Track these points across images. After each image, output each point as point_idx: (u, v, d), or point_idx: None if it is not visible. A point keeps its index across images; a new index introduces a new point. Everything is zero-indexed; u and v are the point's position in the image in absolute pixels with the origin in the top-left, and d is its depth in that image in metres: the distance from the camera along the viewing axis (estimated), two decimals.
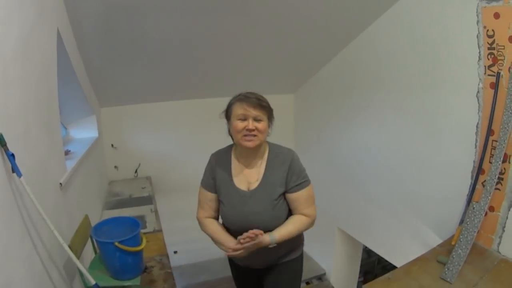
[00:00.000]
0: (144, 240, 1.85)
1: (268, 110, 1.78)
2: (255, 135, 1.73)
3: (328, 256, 4.20)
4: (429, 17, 2.57)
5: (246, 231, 1.70)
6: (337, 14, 2.99)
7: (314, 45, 3.53)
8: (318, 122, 4.27)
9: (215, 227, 1.89)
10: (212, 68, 3.72)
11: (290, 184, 1.80)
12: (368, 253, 4.70)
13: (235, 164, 1.87)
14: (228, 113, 1.82)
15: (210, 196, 1.91)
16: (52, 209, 1.87)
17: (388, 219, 3.12)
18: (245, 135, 1.73)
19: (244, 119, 1.73)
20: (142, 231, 2.79)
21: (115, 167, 4.20)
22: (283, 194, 1.82)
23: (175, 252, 4.62)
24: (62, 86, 2.78)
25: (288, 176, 1.80)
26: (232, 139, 1.87)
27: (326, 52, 3.71)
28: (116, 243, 1.67)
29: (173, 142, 4.40)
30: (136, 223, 1.89)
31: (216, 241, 1.88)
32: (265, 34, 3.23)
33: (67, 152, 2.77)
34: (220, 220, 1.96)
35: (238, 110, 1.74)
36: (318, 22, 3.09)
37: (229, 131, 1.86)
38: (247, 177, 1.84)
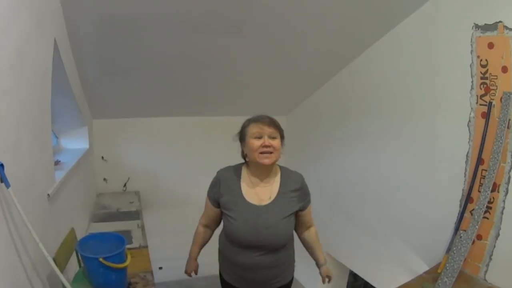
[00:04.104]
0: (129, 257, 1.83)
1: (280, 130, 1.87)
2: (271, 152, 1.79)
3: (314, 280, 4.15)
4: (424, 45, 2.63)
5: (256, 245, 1.80)
6: (333, 39, 3.04)
7: (309, 68, 3.58)
8: (309, 145, 4.29)
9: (197, 240, 2.06)
10: (206, 87, 3.75)
11: (302, 202, 1.92)
12: (354, 277, 4.64)
13: (246, 182, 1.90)
14: (242, 135, 1.89)
15: (212, 208, 1.98)
16: (38, 220, 1.84)
17: (375, 245, 3.11)
18: (262, 152, 1.79)
19: (260, 137, 1.80)
20: (128, 246, 2.77)
21: (104, 179, 4.16)
22: (295, 211, 1.91)
23: (160, 268, 4.54)
24: (56, 95, 2.76)
25: (301, 195, 1.91)
26: (245, 160, 1.94)
27: (320, 75, 3.77)
28: (101, 259, 1.64)
29: (164, 159, 4.39)
30: (121, 240, 1.86)
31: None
32: (259, 55, 3.28)
33: (57, 163, 2.75)
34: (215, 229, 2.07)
35: (253, 129, 1.82)
36: (313, 45, 3.14)
37: (242, 152, 1.93)
38: (259, 195, 1.87)
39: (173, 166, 4.43)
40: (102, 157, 4.11)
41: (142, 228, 3.17)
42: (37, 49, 1.85)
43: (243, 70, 3.53)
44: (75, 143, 3.53)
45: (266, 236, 1.79)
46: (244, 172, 1.93)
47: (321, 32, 2.93)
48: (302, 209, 1.94)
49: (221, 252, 2.01)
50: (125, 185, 4.24)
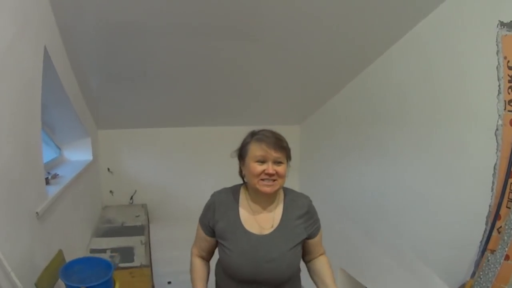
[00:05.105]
0: (117, 285, 1.66)
1: (287, 151, 1.62)
2: (274, 180, 1.56)
3: None
4: (444, 47, 2.40)
5: (256, 280, 1.57)
6: (347, 43, 2.84)
7: (323, 74, 3.38)
8: (324, 155, 4.09)
9: (199, 275, 1.74)
10: (216, 95, 3.59)
11: (310, 229, 1.69)
12: None
13: (245, 207, 1.67)
14: (241, 153, 1.65)
15: (204, 237, 1.73)
16: (24, 241, 1.70)
17: (394, 262, 2.89)
18: (263, 179, 1.56)
19: (263, 161, 1.56)
20: (129, 265, 2.64)
21: (111, 191, 4.05)
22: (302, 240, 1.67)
23: (169, 282, 4.43)
24: (54, 106, 2.68)
25: (308, 222, 1.68)
26: (243, 180, 1.70)
27: (335, 82, 3.55)
28: None
29: (172, 170, 4.26)
30: (109, 266, 1.69)
31: None
32: (272, 62, 3.10)
33: (54, 176, 2.62)
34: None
35: (257, 151, 1.57)
36: (327, 51, 2.94)
37: (240, 172, 1.69)
38: (259, 222, 1.64)
39: (181, 178, 4.29)
40: (108, 169, 4.00)
41: (146, 245, 3.02)
42: (21, 56, 1.72)
43: (254, 77, 3.36)
44: (79, 155, 3.43)
45: (268, 270, 1.57)
46: (243, 195, 1.70)
47: (336, 36, 2.74)
48: (311, 237, 1.70)
49: (217, 285, 1.77)
50: (131, 197, 4.11)
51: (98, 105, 3.40)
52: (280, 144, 1.57)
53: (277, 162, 1.56)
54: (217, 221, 1.66)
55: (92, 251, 2.85)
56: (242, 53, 2.89)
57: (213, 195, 1.74)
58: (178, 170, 4.27)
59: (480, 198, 2.16)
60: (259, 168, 1.55)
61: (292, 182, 4.45)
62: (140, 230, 3.32)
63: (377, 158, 3.16)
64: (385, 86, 3.02)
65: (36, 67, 1.92)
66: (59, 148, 3.32)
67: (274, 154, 1.55)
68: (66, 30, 2.26)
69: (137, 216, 3.68)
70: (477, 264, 2.10)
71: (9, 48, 1.58)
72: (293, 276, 1.66)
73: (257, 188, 1.58)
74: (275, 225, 1.63)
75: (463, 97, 2.29)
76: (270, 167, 1.54)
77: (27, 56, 1.81)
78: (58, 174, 2.68)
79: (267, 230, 1.62)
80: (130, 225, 3.46)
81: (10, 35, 1.59)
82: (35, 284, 1.58)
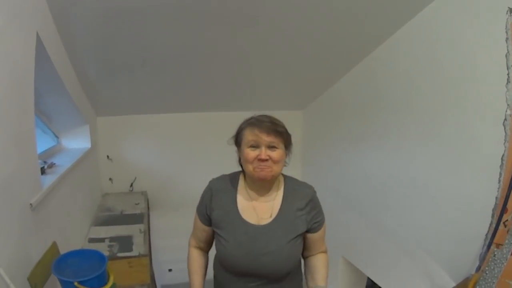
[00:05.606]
0: (112, 278, 1.61)
1: (284, 136, 1.54)
2: (268, 166, 1.49)
3: (330, 285, 3.92)
4: (452, 33, 2.31)
5: (254, 273, 1.51)
6: (351, 27, 2.74)
7: (326, 59, 3.27)
8: (327, 142, 4.02)
9: (195, 268, 1.70)
10: (216, 80, 3.50)
11: (312, 223, 1.60)
12: (372, 281, 4.42)
13: (243, 195, 1.61)
14: (238, 140, 1.59)
15: (201, 226, 1.68)
16: (17, 234, 1.66)
17: (396, 253, 2.84)
18: (257, 165, 1.50)
19: (256, 146, 1.50)
20: (127, 254, 2.60)
21: (110, 179, 4.00)
22: (302, 233, 1.60)
23: (170, 270, 4.45)
24: (50, 94, 2.62)
25: (310, 213, 1.60)
26: (242, 169, 1.64)
27: (338, 67, 3.45)
28: (76, 283, 1.44)
29: (173, 157, 4.20)
30: (102, 258, 1.64)
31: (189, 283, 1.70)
32: (273, 45, 2.99)
33: (51, 165, 2.57)
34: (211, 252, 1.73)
35: (249, 136, 1.51)
36: (331, 34, 2.84)
37: (239, 160, 1.62)
38: (258, 212, 1.58)
39: (182, 164, 4.23)
40: (108, 156, 3.94)
41: (145, 233, 2.98)
42: (11, 44, 1.65)
43: (255, 62, 3.25)
44: (77, 143, 3.37)
45: (265, 263, 1.50)
46: (241, 182, 1.64)
47: (340, 19, 2.63)
48: (312, 231, 1.62)
49: (215, 278, 1.72)
50: (131, 185, 4.07)
51: (97, 92, 3.33)
52: (273, 128, 1.50)
53: (271, 147, 1.49)
54: (213, 209, 1.61)
55: (91, 240, 2.82)
56: (242, 37, 2.79)
57: (210, 182, 1.69)
58: (179, 156, 4.21)
59: (486, 189, 2.09)
60: (252, 153, 1.50)
61: (295, 169, 4.41)
62: (140, 218, 3.29)
63: (382, 146, 3.09)
64: (391, 72, 2.92)
65: (27, 54, 1.85)
66: (57, 137, 3.27)
67: (266, 139, 1.48)
68: (60, 16, 2.18)
69: (136, 204, 3.65)
70: (482, 258, 2.04)
71: None
72: (292, 270, 1.60)
73: (253, 175, 1.53)
74: (274, 215, 1.57)
75: (470, 86, 2.21)
76: (263, 152, 1.48)
77: (18, 43, 1.74)
78: (54, 163, 2.63)
79: (265, 220, 1.56)
80: (129, 213, 3.42)
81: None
82: (28, 279, 1.54)
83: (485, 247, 2.04)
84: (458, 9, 2.25)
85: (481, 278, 1.91)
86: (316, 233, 1.63)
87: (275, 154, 1.50)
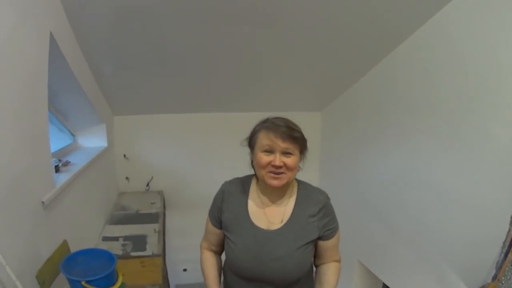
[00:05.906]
0: (120, 278, 1.61)
1: (300, 142, 1.49)
2: (282, 172, 1.45)
3: None
4: (474, 32, 2.22)
5: (262, 278, 1.47)
6: (370, 28, 2.67)
7: (345, 60, 3.21)
8: (345, 144, 3.93)
9: (208, 271, 1.66)
10: (233, 80, 3.48)
11: (324, 230, 1.55)
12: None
13: (254, 199, 1.58)
14: (251, 142, 1.55)
15: (213, 230, 1.66)
16: (28, 232, 1.67)
17: (412, 258, 2.76)
18: (270, 172, 1.45)
19: (270, 151, 1.45)
20: (140, 254, 2.60)
21: (127, 178, 4.02)
22: (314, 240, 1.55)
23: (185, 270, 4.46)
24: (65, 93, 2.64)
25: (322, 220, 1.55)
26: (255, 172, 1.59)
27: (357, 68, 3.38)
28: (83, 283, 1.43)
29: (189, 157, 4.19)
30: (111, 258, 1.64)
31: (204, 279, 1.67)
32: (290, 46, 2.95)
33: (66, 164, 2.60)
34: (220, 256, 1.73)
35: (264, 140, 1.46)
36: (349, 35, 2.78)
37: (252, 162, 1.58)
38: (268, 216, 1.54)
39: (198, 164, 4.22)
40: (124, 155, 3.96)
41: (159, 233, 2.98)
42: (24, 43, 1.66)
43: (272, 62, 3.21)
44: (93, 142, 3.40)
45: (273, 269, 1.47)
46: (253, 186, 1.61)
47: (359, 19, 2.56)
48: (324, 238, 1.57)
49: (225, 282, 1.70)
50: (148, 184, 4.08)
51: (114, 91, 3.34)
52: (290, 133, 1.44)
53: (286, 153, 1.45)
54: (224, 211, 1.59)
55: (105, 238, 2.83)
56: (259, 37, 2.76)
57: (223, 185, 1.67)
58: (196, 156, 4.20)
59: (505, 195, 2.00)
60: (265, 158, 1.45)
61: (312, 171, 4.36)
62: (155, 218, 3.29)
63: (400, 148, 3.00)
64: (410, 73, 2.84)
65: (41, 54, 1.87)
66: (73, 135, 3.30)
67: (282, 145, 1.43)
68: (74, 15, 2.19)
69: (152, 203, 3.65)
70: (499, 266, 1.95)
71: (11, 35, 1.52)
72: (302, 278, 1.56)
73: (265, 181, 1.49)
74: (285, 220, 1.53)
75: (493, 88, 2.10)
76: (277, 159, 1.43)
77: (31, 43, 1.75)
78: (69, 162, 2.65)
79: (276, 225, 1.52)
80: (145, 212, 3.42)
81: (12, 22, 1.53)
82: (36, 277, 1.55)
83: (502, 255, 1.95)
84: (480, 6, 2.16)
85: (497, 287, 1.83)
86: (328, 241, 1.58)
87: (290, 160, 1.45)
